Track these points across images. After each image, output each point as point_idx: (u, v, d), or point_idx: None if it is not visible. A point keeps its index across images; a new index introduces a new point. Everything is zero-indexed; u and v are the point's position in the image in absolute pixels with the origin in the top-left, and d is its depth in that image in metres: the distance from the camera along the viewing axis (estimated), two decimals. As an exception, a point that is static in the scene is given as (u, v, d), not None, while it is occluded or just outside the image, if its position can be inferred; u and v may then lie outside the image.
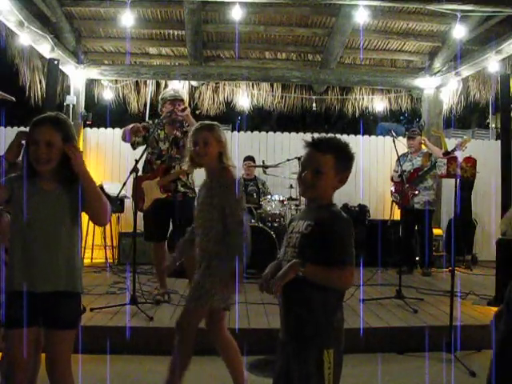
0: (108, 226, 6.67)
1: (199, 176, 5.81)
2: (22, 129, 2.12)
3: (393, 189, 6.54)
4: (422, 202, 6.20)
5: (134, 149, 4.69)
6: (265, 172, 6.61)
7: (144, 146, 4.57)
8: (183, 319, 2.66)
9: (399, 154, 5.24)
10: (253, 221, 5.96)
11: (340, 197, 7.77)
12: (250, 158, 6.85)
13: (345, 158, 1.94)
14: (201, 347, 3.66)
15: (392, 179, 6.54)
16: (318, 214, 1.88)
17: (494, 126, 9.84)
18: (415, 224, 6.33)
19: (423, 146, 6.49)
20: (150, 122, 4.81)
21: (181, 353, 2.63)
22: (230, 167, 2.68)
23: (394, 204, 5.97)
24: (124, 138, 4.57)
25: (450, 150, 5.68)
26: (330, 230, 1.82)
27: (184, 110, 4.55)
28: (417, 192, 6.20)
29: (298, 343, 1.84)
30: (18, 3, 4.98)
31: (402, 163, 6.27)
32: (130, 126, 4.55)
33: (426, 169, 6.22)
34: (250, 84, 7.97)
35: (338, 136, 1.92)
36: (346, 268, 1.78)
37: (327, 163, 1.90)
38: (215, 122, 2.78)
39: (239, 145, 7.19)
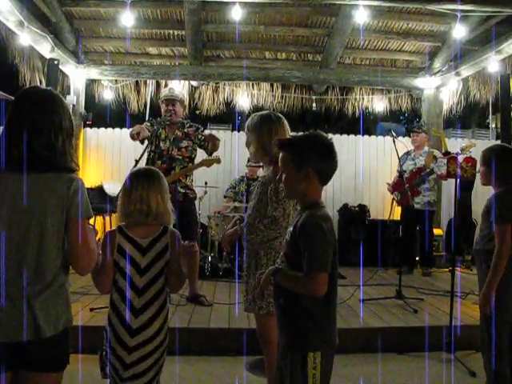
0: (108, 226, 6.67)
1: (199, 176, 5.84)
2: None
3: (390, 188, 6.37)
4: (423, 203, 6.17)
5: (142, 143, 4.68)
6: None
7: (144, 146, 4.58)
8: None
9: (402, 153, 5.15)
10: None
11: (340, 197, 7.82)
12: None
13: (296, 150, 1.83)
14: (200, 347, 3.67)
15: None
16: (299, 218, 1.82)
17: (494, 126, 9.83)
18: (415, 224, 6.31)
19: (426, 144, 6.43)
20: (155, 121, 4.79)
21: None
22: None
23: (395, 203, 5.95)
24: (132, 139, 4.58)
25: (451, 152, 5.66)
26: (300, 235, 1.75)
27: (175, 112, 4.58)
28: (420, 191, 6.18)
29: (284, 344, 1.84)
30: (18, 3, 4.97)
31: (404, 162, 6.25)
32: (131, 130, 4.54)
33: (428, 170, 6.19)
34: (250, 84, 7.96)
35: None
36: (312, 275, 1.69)
37: (285, 161, 1.87)
38: None
39: (239, 145, 7.18)
